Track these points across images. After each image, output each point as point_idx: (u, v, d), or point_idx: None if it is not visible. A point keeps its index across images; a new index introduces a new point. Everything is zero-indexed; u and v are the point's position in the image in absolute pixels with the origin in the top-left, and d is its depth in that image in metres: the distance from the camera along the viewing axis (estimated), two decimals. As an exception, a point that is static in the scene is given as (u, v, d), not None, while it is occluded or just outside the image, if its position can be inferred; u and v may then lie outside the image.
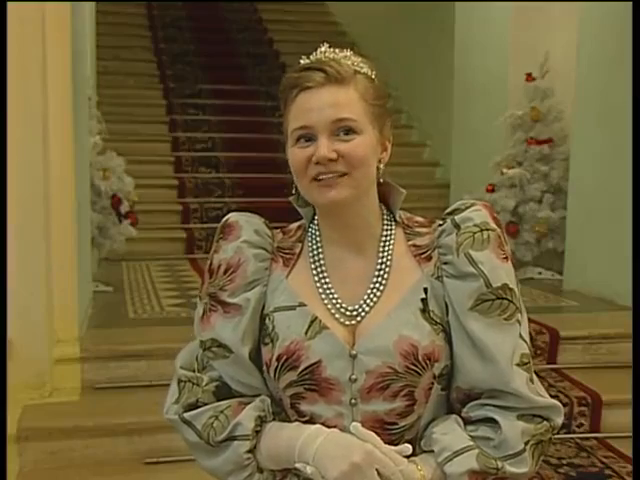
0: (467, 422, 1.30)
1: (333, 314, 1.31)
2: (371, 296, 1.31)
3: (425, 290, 1.30)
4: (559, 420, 1.30)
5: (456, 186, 7.13)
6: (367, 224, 1.33)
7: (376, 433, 1.25)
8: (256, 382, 1.33)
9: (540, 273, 5.89)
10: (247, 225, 1.36)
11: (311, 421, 1.29)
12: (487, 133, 6.44)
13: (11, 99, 3.36)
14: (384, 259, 1.33)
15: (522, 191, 5.82)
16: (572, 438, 3.79)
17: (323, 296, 1.32)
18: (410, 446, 1.26)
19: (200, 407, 1.33)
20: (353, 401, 1.28)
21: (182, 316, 4.64)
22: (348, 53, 1.31)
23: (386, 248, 1.34)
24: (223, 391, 1.34)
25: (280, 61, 9.42)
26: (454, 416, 1.31)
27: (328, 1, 10.96)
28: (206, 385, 1.34)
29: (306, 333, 1.29)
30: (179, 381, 1.36)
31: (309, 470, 1.24)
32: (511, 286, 1.29)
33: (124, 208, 5.49)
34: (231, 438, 1.29)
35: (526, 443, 1.26)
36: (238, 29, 10.30)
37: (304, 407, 1.30)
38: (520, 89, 5.94)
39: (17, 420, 3.40)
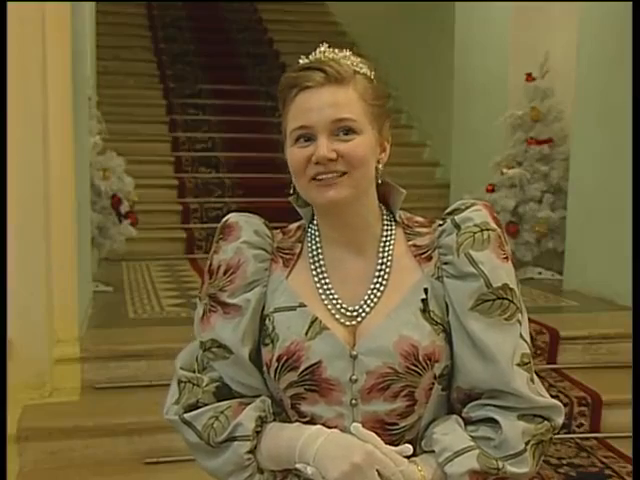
0: (467, 422, 1.30)
1: (333, 314, 1.31)
2: (371, 297, 1.31)
3: (425, 290, 1.30)
4: (560, 420, 1.30)
5: (456, 186, 7.13)
6: (366, 224, 1.33)
7: (377, 433, 1.25)
8: (256, 383, 1.33)
9: (540, 273, 5.89)
10: (247, 226, 1.36)
11: (312, 422, 1.29)
12: (487, 133, 6.44)
13: (11, 99, 3.35)
14: (384, 259, 1.33)
15: (522, 191, 5.82)
16: (572, 438, 3.79)
17: (323, 296, 1.32)
18: (410, 446, 1.26)
19: (200, 408, 1.33)
20: (353, 401, 1.28)
21: (182, 316, 4.64)
22: (347, 53, 1.31)
23: (386, 248, 1.33)
24: (223, 392, 1.33)
25: (280, 61, 9.42)
26: (455, 416, 1.31)
27: (328, 1, 10.96)
28: (206, 386, 1.33)
29: (306, 334, 1.29)
30: (179, 382, 1.36)
31: (310, 471, 1.23)
32: (511, 286, 1.29)
33: (124, 208, 5.49)
34: (231, 439, 1.29)
35: (527, 443, 1.26)
36: (238, 29, 10.30)
37: (304, 408, 1.30)
38: (520, 89, 5.94)
39: (17, 420, 3.40)
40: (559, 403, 1.31)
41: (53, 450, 3.40)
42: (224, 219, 1.38)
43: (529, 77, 5.85)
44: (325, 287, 1.33)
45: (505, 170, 5.87)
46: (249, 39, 10.07)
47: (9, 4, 3.32)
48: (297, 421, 1.31)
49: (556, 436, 1.33)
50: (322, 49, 1.31)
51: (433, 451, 1.27)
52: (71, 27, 4.05)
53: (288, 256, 1.36)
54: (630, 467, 3.44)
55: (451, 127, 7.35)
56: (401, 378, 1.26)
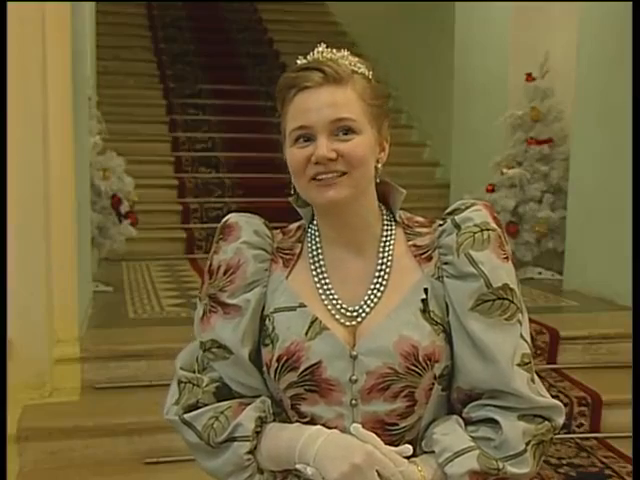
0: (468, 422, 1.30)
1: (333, 315, 1.31)
2: (371, 297, 1.31)
3: (425, 290, 1.30)
4: (560, 420, 1.30)
5: (456, 186, 7.13)
6: (366, 224, 1.33)
7: (376, 434, 1.25)
8: (256, 383, 1.33)
9: (540, 273, 5.89)
10: (247, 226, 1.36)
11: (312, 422, 1.29)
12: (487, 133, 6.44)
13: (11, 99, 3.35)
14: (384, 259, 1.33)
15: (522, 191, 5.82)
16: (572, 438, 3.79)
17: (323, 297, 1.32)
18: (410, 447, 1.26)
19: (200, 408, 1.33)
20: (353, 402, 1.28)
21: (182, 316, 4.64)
22: (345, 53, 1.31)
23: (386, 248, 1.33)
24: (223, 392, 1.33)
25: (280, 61, 9.42)
26: (455, 417, 1.31)
27: (328, 1, 10.96)
28: (206, 386, 1.33)
29: (306, 334, 1.29)
30: (179, 382, 1.36)
31: (309, 471, 1.23)
32: (512, 286, 1.29)
33: (124, 208, 5.49)
34: (231, 439, 1.29)
35: (527, 443, 1.26)
36: (238, 29, 10.30)
37: (304, 408, 1.30)
38: (520, 89, 5.94)
39: (17, 420, 3.40)
40: (560, 403, 1.31)
41: (53, 450, 3.40)
42: (224, 219, 1.38)
43: (529, 77, 5.85)
44: (325, 287, 1.33)
45: (505, 170, 5.87)
46: (249, 39, 10.07)
47: (9, 4, 3.32)
48: (297, 421, 1.31)
49: (556, 436, 1.33)
50: (320, 49, 1.31)
51: (433, 451, 1.27)
52: (71, 27, 4.05)
53: (288, 256, 1.36)
54: (630, 467, 3.43)
55: (451, 127, 7.35)
56: (401, 378, 1.26)
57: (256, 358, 1.32)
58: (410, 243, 1.34)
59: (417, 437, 1.31)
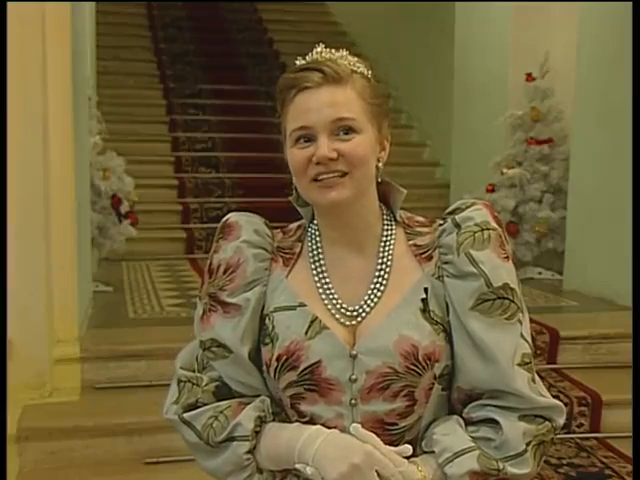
0: (468, 423, 1.30)
1: (333, 314, 1.31)
2: (372, 296, 1.31)
3: (426, 290, 1.30)
4: (561, 420, 1.30)
5: (456, 186, 7.12)
6: (367, 224, 1.33)
7: (376, 434, 1.25)
8: (256, 382, 1.33)
9: (540, 273, 5.89)
10: (247, 225, 1.36)
11: (311, 421, 1.29)
12: (487, 133, 6.44)
13: (11, 99, 3.35)
14: (384, 259, 1.33)
15: (522, 191, 5.82)
16: (572, 438, 3.79)
17: (323, 296, 1.32)
18: (410, 447, 1.26)
19: (200, 407, 1.33)
20: (353, 401, 1.28)
21: (182, 316, 4.64)
22: (344, 53, 1.31)
23: (386, 248, 1.33)
24: (223, 391, 1.33)
25: (280, 61, 9.42)
26: (455, 417, 1.30)
27: (328, 1, 10.96)
28: (206, 385, 1.33)
29: (306, 333, 1.29)
30: (179, 381, 1.36)
31: (309, 471, 1.23)
32: (512, 285, 1.28)
33: (124, 208, 5.49)
34: (231, 439, 1.29)
35: (527, 444, 1.26)
36: (238, 29, 10.30)
37: (304, 407, 1.30)
38: (520, 89, 5.94)
39: (17, 420, 3.40)
40: (560, 403, 1.31)
41: (53, 450, 3.40)
42: (224, 218, 1.38)
43: (529, 77, 5.85)
44: (325, 287, 1.33)
45: (505, 170, 5.87)
46: (249, 39, 10.07)
47: (9, 4, 3.32)
48: (296, 421, 1.31)
49: (556, 436, 1.33)
50: (319, 49, 1.31)
51: (433, 451, 1.27)
52: (71, 27, 4.05)
53: (288, 255, 1.36)
54: (630, 467, 3.43)
55: (451, 127, 7.35)
56: (401, 378, 1.26)
57: (256, 357, 1.32)
58: (410, 243, 1.34)
59: (417, 437, 1.31)
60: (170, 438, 3.22)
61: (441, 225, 1.34)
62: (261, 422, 1.30)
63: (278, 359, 1.29)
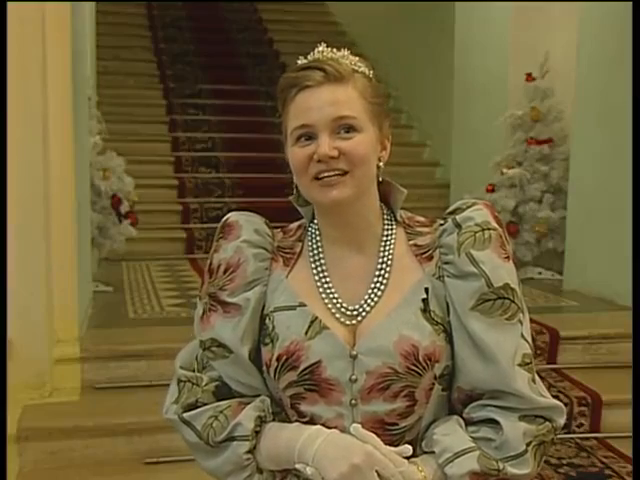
0: (468, 423, 1.29)
1: (333, 314, 1.31)
2: (372, 296, 1.31)
3: (426, 290, 1.30)
4: (561, 420, 1.30)
5: (456, 186, 7.12)
6: (367, 223, 1.33)
7: (376, 434, 1.25)
8: (256, 382, 1.33)
9: (540, 273, 5.89)
10: (247, 224, 1.36)
11: (311, 422, 1.29)
12: (487, 133, 6.44)
13: (11, 99, 3.35)
14: (385, 258, 1.33)
15: (522, 191, 5.81)
16: (572, 438, 3.79)
17: (323, 295, 1.32)
18: (410, 447, 1.25)
19: (200, 407, 1.32)
20: (353, 402, 1.28)
21: (182, 316, 4.64)
22: (346, 52, 1.31)
23: (387, 247, 1.33)
24: (223, 391, 1.33)
25: (280, 61, 9.42)
26: (455, 417, 1.30)
27: (328, 1, 10.96)
28: (206, 385, 1.33)
29: (306, 333, 1.29)
30: (179, 381, 1.36)
31: (309, 471, 1.23)
32: (512, 286, 1.28)
33: (124, 208, 5.48)
34: (231, 438, 1.29)
35: (528, 444, 1.26)
36: (238, 29, 10.30)
37: (304, 407, 1.30)
38: (520, 89, 5.94)
39: (17, 420, 3.40)
40: (560, 404, 1.31)
41: (53, 450, 3.40)
42: (224, 218, 1.38)
43: (529, 77, 5.85)
44: (325, 286, 1.32)
45: (505, 170, 5.87)
46: (249, 39, 10.07)
47: (9, 4, 3.31)
48: (297, 421, 1.31)
49: (556, 436, 1.33)
50: (320, 49, 1.31)
51: (433, 452, 1.27)
52: (71, 27, 4.04)
53: (288, 255, 1.36)
54: (630, 467, 3.43)
55: (451, 127, 7.34)
56: (401, 378, 1.26)
57: (256, 357, 1.32)
58: (411, 242, 1.34)
59: (417, 437, 1.31)
60: (170, 438, 3.22)
61: (442, 225, 1.34)
62: (261, 422, 1.30)
63: (278, 359, 1.29)
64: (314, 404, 1.29)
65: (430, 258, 1.32)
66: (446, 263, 1.30)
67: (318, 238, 1.36)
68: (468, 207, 1.32)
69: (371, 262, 1.33)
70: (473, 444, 1.26)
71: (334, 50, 1.31)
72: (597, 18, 5.24)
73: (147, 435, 3.46)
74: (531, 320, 1.34)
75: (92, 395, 3.78)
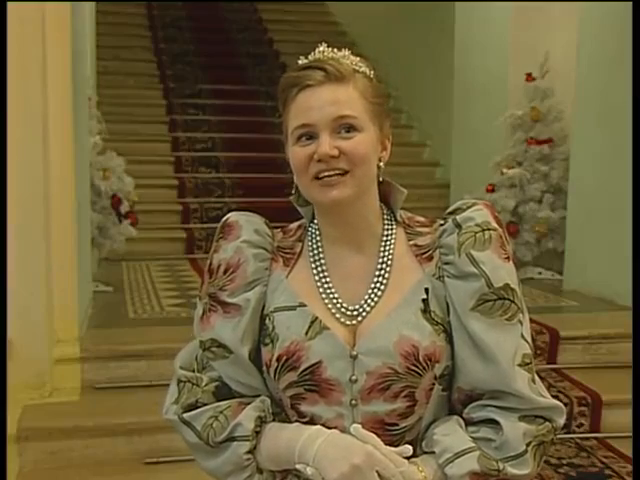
0: (468, 423, 1.29)
1: (334, 314, 1.31)
2: (372, 296, 1.31)
3: (426, 290, 1.29)
4: (561, 421, 1.30)
5: (456, 186, 7.12)
6: (367, 223, 1.33)
7: (376, 434, 1.25)
8: (256, 382, 1.33)
9: (540, 273, 5.89)
10: (247, 225, 1.36)
11: (311, 422, 1.29)
12: (487, 133, 6.44)
13: (11, 99, 3.35)
14: (385, 258, 1.33)
15: (522, 191, 5.81)
16: (572, 438, 3.79)
17: (324, 295, 1.32)
18: (410, 447, 1.25)
19: (200, 407, 1.32)
20: (353, 402, 1.27)
21: (182, 316, 4.64)
22: (346, 52, 1.31)
23: (387, 247, 1.33)
24: (223, 391, 1.33)
25: (280, 61, 9.42)
26: (455, 417, 1.30)
27: (328, 1, 10.96)
28: (206, 385, 1.33)
29: (306, 333, 1.29)
30: (178, 381, 1.36)
31: (309, 471, 1.23)
32: (513, 286, 1.28)
33: (124, 208, 5.48)
34: (231, 439, 1.29)
35: (528, 444, 1.26)
36: (238, 29, 10.30)
37: (304, 408, 1.30)
38: (520, 89, 5.94)
39: (17, 420, 3.40)
40: (560, 404, 1.31)
41: (53, 450, 3.40)
42: (224, 218, 1.38)
43: (529, 77, 5.85)
44: (325, 286, 1.32)
45: (505, 170, 5.87)
46: (249, 39, 10.07)
47: (9, 4, 3.31)
48: (297, 421, 1.31)
49: (556, 437, 1.33)
50: (321, 49, 1.31)
51: (433, 452, 1.27)
52: (71, 27, 4.04)
53: (288, 255, 1.36)
54: (630, 467, 3.43)
55: (451, 127, 7.34)
56: (401, 378, 1.26)
57: (256, 357, 1.32)
58: (411, 243, 1.34)
59: (417, 437, 1.31)
60: (170, 438, 3.22)
61: (442, 225, 1.33)
62: (261, 422, 1.30)
63: (278, 359, 1.29)
64: (314, 404, 1.29)
65: (430, 258, 1.32)
66: (446, 263, 1.30)
67: (318, 238, 1.36)
68: (468, 207, 1.32)
69: (371, 262, 1.32)
70: (473, 444, 1.26)
71: (335, 50, 1.31)
72: (597, 18, 5.24)
73: (147, 435, 3.46)
74: (531, 320, 1.34)
75: (92, 395, 3.78)
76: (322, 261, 1.34)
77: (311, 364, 1.27)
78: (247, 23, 10.49)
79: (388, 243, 1.34)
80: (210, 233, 6.27)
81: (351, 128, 1.26)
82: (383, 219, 1.35)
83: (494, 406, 1.27)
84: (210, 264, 1.36)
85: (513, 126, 5.93)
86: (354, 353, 1.27)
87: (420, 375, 1.26)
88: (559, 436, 3.64)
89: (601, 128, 5.19)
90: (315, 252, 1.35)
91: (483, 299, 1.27)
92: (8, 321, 3.31)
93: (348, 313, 1.30)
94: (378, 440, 1.24)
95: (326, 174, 1.26)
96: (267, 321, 1.32)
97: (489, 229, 1.29)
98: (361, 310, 1.30)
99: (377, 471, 1.21)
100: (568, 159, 5.65)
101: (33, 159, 3.53)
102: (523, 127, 5.90)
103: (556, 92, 5.80)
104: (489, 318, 1.26)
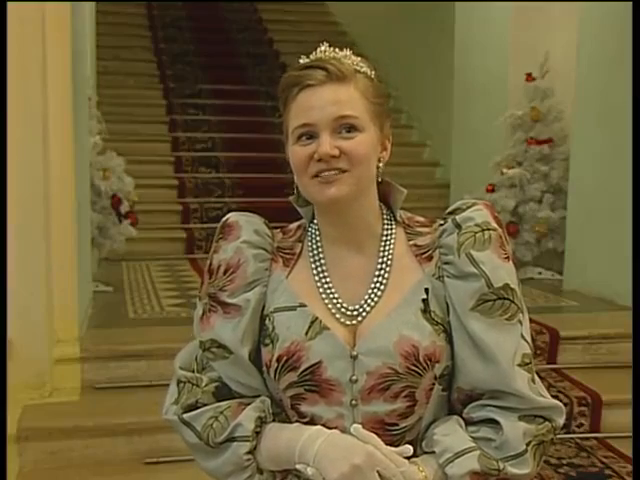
0: (468, 423, 1.30)
1: (334, 314, 1.31)
2: (372, 296, 1.31)
3: (426, 290, 1.29)
4: (561, 420, 1.30)
5: (456, 186, 7.12)
6: (367, 223, 1.33)
7: (377, 434, 1.25)
8: (256, 383, 1.33)
9: (540, 273, 5.89)
10: (247, 225, 1.36)
11: (311, 422, 1.29)
12: (487, 133, 6.44)
13: (11, 99, 3.35)
14: (384, 258, 1.33)
15: (522, 191, 5.81)
16: (572, 438, 3.79)
17: (323, 296, 1.32)
18: (411, 447, 1.25)
19: (200, 408, 1.32)
20: (354, 402, 1.28)
21: (182, 316, 4.64)
22: (348, 52, 1.31)
23: (387, 247, 1.33)
24: (223, 392, 1.33)
25: (280, 61, 9.42)
26: (455, 417, 1.30)
27: (328, 1, 10.96)
28: (206, 386, 1.33)
29: (306, 334, 1.29)
30: (178, 382, 1.36)
31: (310, 471, 1.23)
32: (512, 286, 1.28)
33: (124, 208, 5.48)
34: (231, 439, 1.29)
35: (528, 444, 1.26)
36: (238, 29, 10.30)
37: (304, 408, 1.30)
38: (520, 89, 5.94)
39: (17, 420, 3.40)
40: (560, 403, 1.31)
41: (53, 450, 3.40)
42: (224, 218, 1.38)
43: (529, 77, 5.85)
44: (325, 286, 1.32)
45: (505, 170, 5.86)
46: (249, 39, 10.07)
47: (9, 4, 3.31)
48: (297, 421, 1.31)
49: (556, 436, 1.33)
50: (323, 48, 1.31)
51: (434, 452, 1.27)
52: (71, 27, 4.04)
53: (288, 256, 1.36)
54: (630, 467, 3.43)
55: (451, 127, 7.34)
56: (401, 378, 1.26)
57: (256, 358, 1.32)
58: (411, 243, 1.34)
59: (417, 437, 1.31)
60: (170, 438, 3.22)
61: (441, 225, 1.33)
62: (261, 422, 1.30)
63: (278, 360, 1.29)
64: (314, 405, 1.29)
65: (430, 258, 1.32)
66: (446, 263, 1.30)
67: (318, 238, 1.36)
68: (468, 207, 1.32)
69: (371, 262, 1.32)
70: (473, 444, 1.26)
71: (336, 50, 1.31)
72: (597, 18, 5.24)
73: (147, 435, 3.46)
74: (531, 320, 1.34)
75: (92, 395, 3.78)
76: (322, 261, 1.34)
77: (311, 364, 1.27)
78: (247, 23, 10.49)
79: (388, 243, 1.34)
80: (210, 233, 6.27)
81: (352, 128, 1.26)
82: (383, 219, 1.35)
83: (494, 406, 1.27)
84: (210, 264, 1.36)
85: (513, 126, 5.93)
86: (354, 353, 1.27)
87: (420, 375, 1.26)
88: (559, 436, 3.64)
89: (601, 128, 5.19)
90: (315, 252, 1.35)
91: (483, 299, 1.27)
92: (8, 321, 3.31)
93: (348, 313, 1.30)
94: (378, 440, 1.24)
95: (326, 173, 1.26)
96: (267, 321, 1.32)
97: (489, 229, 1.29)
98: (361, 310, 1.30)
99: (378, 471, 1.21)
100: (568, 159, 5.65)
101: (33, 159, 3.53)
102: (523, 127, 5.90)
103: (556, 92, 5.80)
104: (489, 318, 1.26)
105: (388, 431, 1.28)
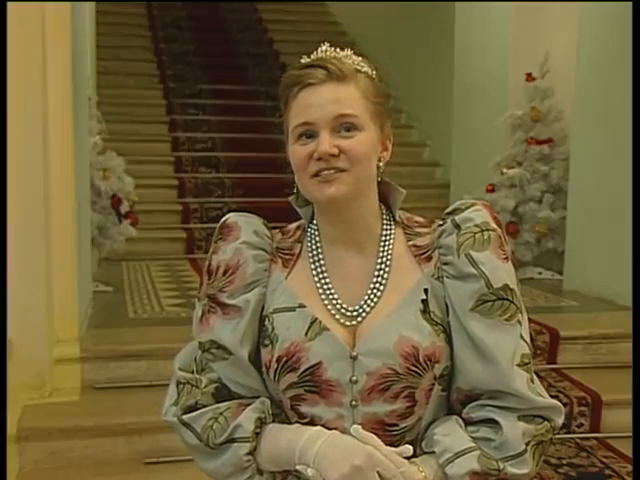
0: (468, 423, 1.30)
1: (333, 315, 1.30)
2: (371, 296, 1.31)
3: (425, 291, 1.29)
4: (560, 420, 1.30)
5: (456, 186, 7.12)
6: (366, 223, 1.33)
7: (377, 435, 1.25)
8: (255, 384, 1.33)
9: (540, 273, 5.89)
10: (246, 226, 1.36)
11: (311, 423, 1.29)
12: (487, 133, 6.44)
13: (11, 99, 3.35)
14: (384, 259, 1.32)
15: (522, 191, 5.81)
16: (572, 438, 3.79)
17: (323, 296, 1.32)
18: (411, 447, 1.25)
19: (199, 409, 1.32)
20: (353, 403, 1.27)
21: (182, 316, 4.64)
22: (349, 52, 1.31)
23: (386, 248, 1.33)
24: (222, 393, 1.33)
25: (280, 61, 9.42)
26: (455, 417, 1.30)
27: (328, 1, 10.95)
28: (205, 387, 1.33)
29: (306, 334, 1.29)
30: (178, 383, 1.36)
31: (310, 472, 1.23)
32: (512, 286, 1.28)
33: (124, 208, 5.48)
34: (231, 440, 1.29)
35: (527, 444, 1.26)
36: (238, 29, 10.30)
37: (304, 409, 1.30)
38: (520, 89, 5.94)
39: (17, 420, 3.40)
40: (559, 403, 1.31)
41: (53, 450, 3.40)
42: (223, 219, 1.38)
43: (529, 77, 5.85)
44: (325, 287, 1.32)
45: (505, 170, 5.86)
46: (249, 39, 10.07)
47: (9, 4, 3.31)
48: (297, 422, 1.31)
49: (556, 436, 1.33)
50: (323, 48, 1.31)
51: (434, 452, 1.27)
52: (71, 27, 4.04)
53: (287, 256, 1.36)
54: (630, 467, 3.43)
55: (451, 127, 7.34)
56: (401, 379, 1.26)
57: (255, 359, 1.32)
58: (410, 243, 1.34)
59: (417, 437, 1.31)
60: (170, 438, 3.21)
61: (441, 226, 1.33)
62: (261, 423, 1.30)
63: (278, 361, 1.29)
64: (314, 405, 1.29)
65: (429, 259, 1.32)
66: (445, 264, 1.30)
67: (317, 239, 1.36)
68: (467, 208, 1.32)
69: (370, 263, 1.32)
70: (473, 444, 1.26)
71: (337, 50, 1.31)
72: (597, 18, 5.24)
73: (147, 435, 3.46)
74: (531, 320, 1.35)
75: (92, 395, 3.78)
76: (321, 262, 1.34)
77: (311, 365, 1.27)
78: (247, 23, 10.49)
79: (387, 243, 1.34)
80: (210, 233, 6.20)
81: (352, 127, 1.26)
82: (382, 219, 1.35)
83: (493, 406, 1.27)
84: (209, 265, 1.36)
85: (513, 126, 5.93)
86: (354, 354, 1.27)
87: (420, 375, 1.26)
88: (559, 436, 3.64)
89: (601, 128, 5.19)
90: (314, 253, 1.35)
91: (482, 300, 1.27)
92: (8, 321, 3.31)
93: (348, 314, 1.30)
94: (378, 441, 1.24)
95: (325, 172, 1.25)
96: (266, 322, 1.32)
97: (488, 229, 1.29)
98: (361, 311, 1.30)
99: (378, 472, 1.21)
100: (568, 159, 5.65)
101: (33, 159, 3.53)
102: (523, 127, 5.90)
103: (556, 92, 5.80)
104: (488, 318, 1.27)
105: (388, 431, 1.28)
